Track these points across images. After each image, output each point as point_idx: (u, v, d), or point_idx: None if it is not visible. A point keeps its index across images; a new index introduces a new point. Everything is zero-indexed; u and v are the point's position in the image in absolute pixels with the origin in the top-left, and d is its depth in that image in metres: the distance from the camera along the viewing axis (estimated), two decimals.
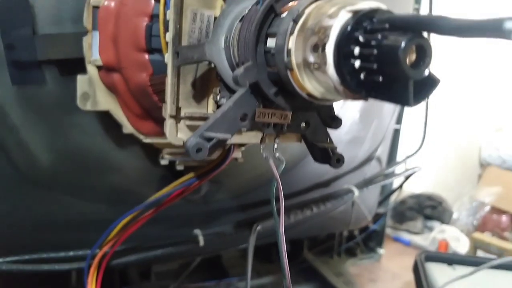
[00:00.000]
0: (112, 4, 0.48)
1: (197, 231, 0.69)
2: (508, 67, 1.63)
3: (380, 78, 0.23)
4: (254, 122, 0.36)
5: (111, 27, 0.48)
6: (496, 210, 1.45)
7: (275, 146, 0.39)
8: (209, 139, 0.34)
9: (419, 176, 0.99)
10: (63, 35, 0.52)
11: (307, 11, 0.28)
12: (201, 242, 0.69)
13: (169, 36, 0.39)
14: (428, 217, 1.42)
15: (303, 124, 0.38)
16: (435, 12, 0.94)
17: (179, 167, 0.59)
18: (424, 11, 0.98)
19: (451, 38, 0.21)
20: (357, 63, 0.24)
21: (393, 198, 1.24)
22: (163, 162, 0.57)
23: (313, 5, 0.28)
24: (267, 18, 0.31)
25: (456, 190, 1.58)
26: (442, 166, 1.61)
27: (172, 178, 0.63)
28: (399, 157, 1.05)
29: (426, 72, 0.23)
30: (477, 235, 1.27)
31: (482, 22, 0.20)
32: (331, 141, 0.39)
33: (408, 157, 0.97)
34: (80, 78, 0.51)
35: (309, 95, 0.29)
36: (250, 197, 0.73)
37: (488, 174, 1.63)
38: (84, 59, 0.50)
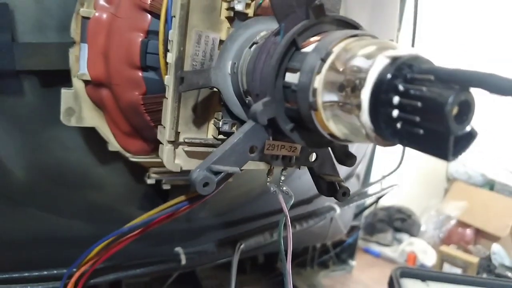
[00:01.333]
0: (104, 15, 0.45)
1: (179, 249, 0.67)
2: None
3: (421, 131, 0.22)
4: (262, 155, 0.34)
5: (102, 41, 0.45)
6: (461, 224, 1.50)
7: (282, 178, 0.37)
8: (216, 173, 0.32)
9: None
10: (46, 45, 0.48)
11: (335, 49, 0.26)
12: (183, 260, 0.66)
13: (171, 58, 0.37)
14: (398, 230, 1.45)
15: (313, 157, 0.36)
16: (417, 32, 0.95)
17: (166, 186, 0.56)
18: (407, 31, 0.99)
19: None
20: (395, 113, 0.23)
21: (367, 211, 1.26)
22: (150, 181, 0.54)
23: (342, 44, 0.27)
24: (288, 52, 0.29)
25: (424, 203, 1.62)
26: (411, 180, 1.65)
27: (157, 196, 0.60)
28: (374, 173, 1.06)
29: (469, 128, 0.22)
30: (444, 248, 1.31)
31: None
32: (337, 173, 0.38)
33: (385, 176, 0.97)
34: (64, 92, 0.47)
35: (331, 135, 0.28)
36: (234, 214, 0.71)
37: (454, 189, 1.69)
38: (70, 72, 0.47)
